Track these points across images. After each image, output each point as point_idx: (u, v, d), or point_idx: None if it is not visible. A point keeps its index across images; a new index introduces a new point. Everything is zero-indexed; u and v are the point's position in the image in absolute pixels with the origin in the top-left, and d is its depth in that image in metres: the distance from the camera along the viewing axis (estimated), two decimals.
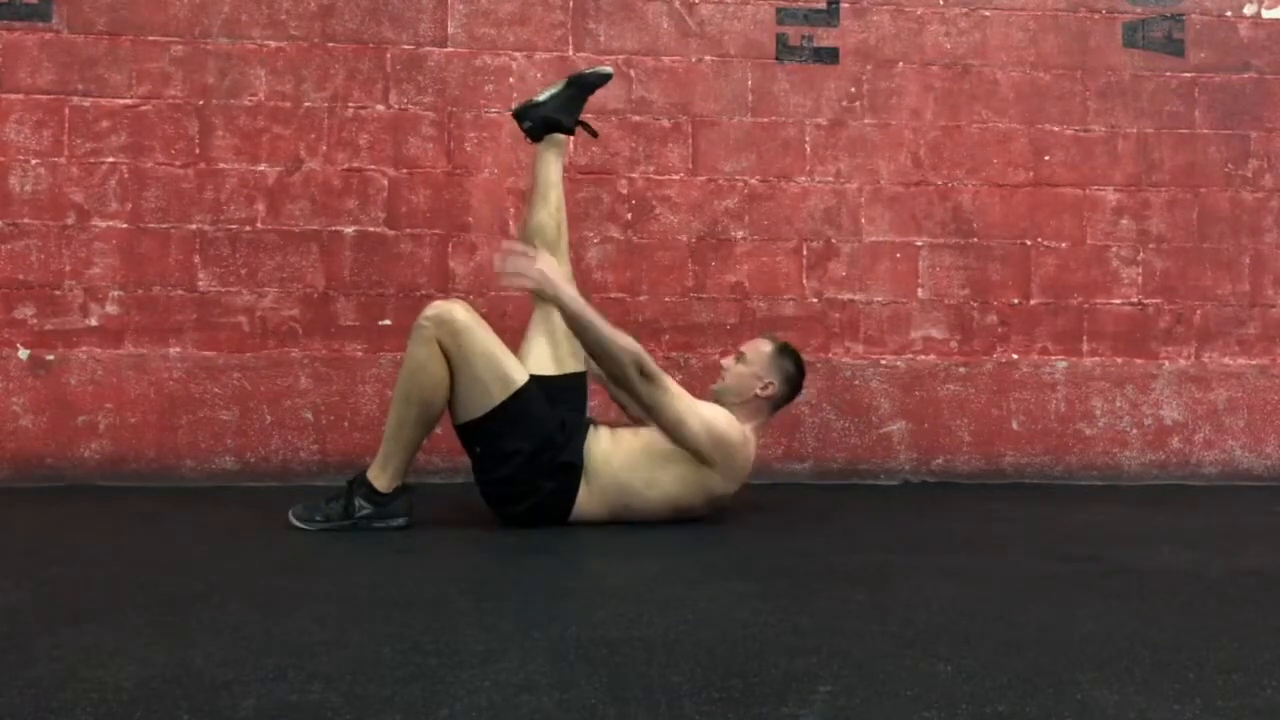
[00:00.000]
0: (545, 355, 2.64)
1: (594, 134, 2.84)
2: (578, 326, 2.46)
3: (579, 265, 3.24)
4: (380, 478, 2.48)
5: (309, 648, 1.52)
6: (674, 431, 2.49)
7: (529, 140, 2.76)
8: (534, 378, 2.51)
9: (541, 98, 2.71)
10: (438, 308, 2.45)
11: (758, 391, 2.61)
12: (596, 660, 1.47)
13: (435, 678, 1.39)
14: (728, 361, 2.68)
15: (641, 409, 2.54)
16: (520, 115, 2.73)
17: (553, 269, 2.47)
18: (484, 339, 2.45)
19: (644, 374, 2.45)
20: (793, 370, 2.66)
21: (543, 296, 2.52)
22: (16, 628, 1.62)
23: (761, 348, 2.67)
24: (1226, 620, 1.76)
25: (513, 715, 1.25)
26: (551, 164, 2.72)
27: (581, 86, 2.72)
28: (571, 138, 2.83)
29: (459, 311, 2.43)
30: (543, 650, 1.51)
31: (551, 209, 2.74)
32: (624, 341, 2.46)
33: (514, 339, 3.36)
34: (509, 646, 1.53)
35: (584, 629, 1.64)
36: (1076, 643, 1.60)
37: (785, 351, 2.68)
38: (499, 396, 2.44)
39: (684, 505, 2.55)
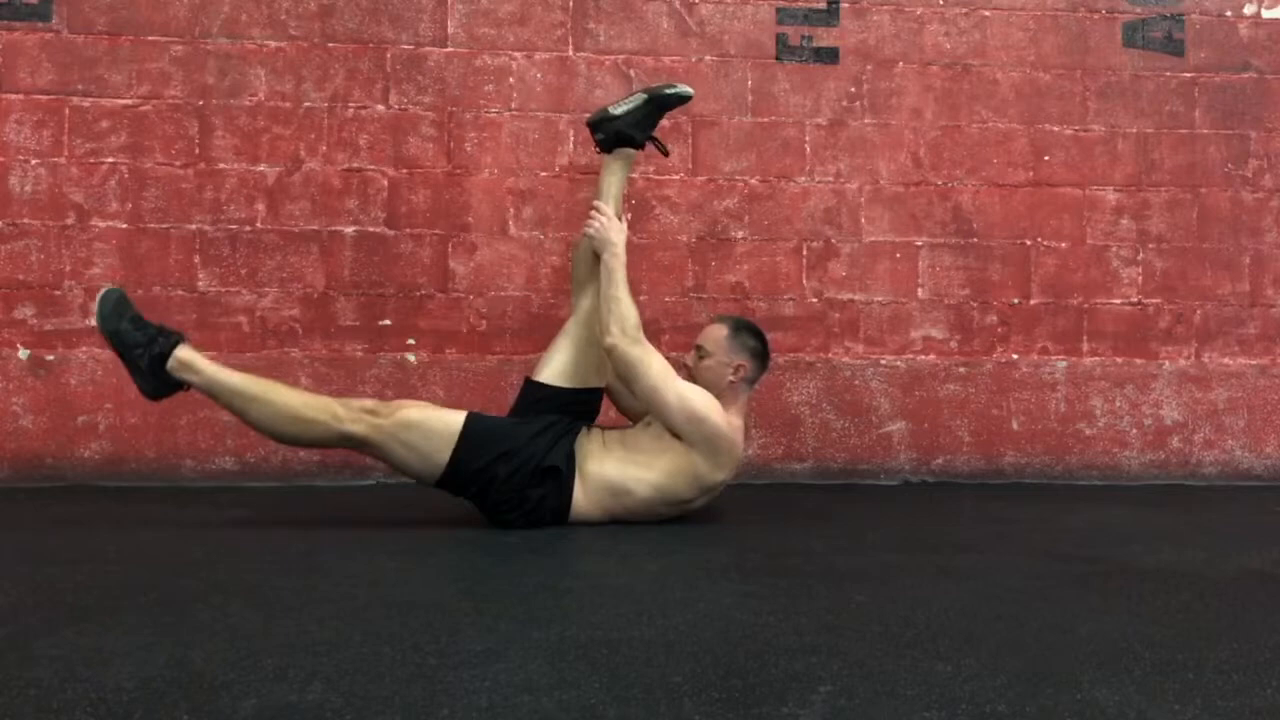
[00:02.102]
0: (564, 366, 2.63)
1: (665, 152, 2.82)
2: (605, 276, 2.56)
3: None
4: (189, 373, 2.48)
5: (309, 648, 1.52)
6: (650, 400, 2.51)
7: (598, 151, 2.74)
8: (472, 414, 2.52)
9: (617, 111, 2.68)
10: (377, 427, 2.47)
11: (730, 378, 2.60)
12: (596, 660, 1.47)
13: (435, 678, 1.39)
14: (689, 359, 2.68)
15: (625, 379, 2.55)
16: (594, 127, 2.71)
17: (614, 228, 2.61)
18: (407, 414, 2.47)
19: (626, 334, 2.50)
20: (756, 343, 2.65)
21: (594, 244, 2.62)
22: (16, 628, 1.62)
23: (717, 334, 2.65)
24: (1226, 620, 1.76)
25: (513, 715, 1.25)
26: (616, 175, 2.72)
27: (660, 105, 2.71)
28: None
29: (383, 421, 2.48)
30: (543, 650, 1.51)
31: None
32: (625, 306, 2.53)
33: (513, 338, 3.39)
34: (509, 646, 1.53)
35: (584, 629, 1.63)
36: (1076, 643, 1.60)
37: (741, 328, 2.67)
38: (449, 448, 2.45)
39: (674, 495, 2.54)
